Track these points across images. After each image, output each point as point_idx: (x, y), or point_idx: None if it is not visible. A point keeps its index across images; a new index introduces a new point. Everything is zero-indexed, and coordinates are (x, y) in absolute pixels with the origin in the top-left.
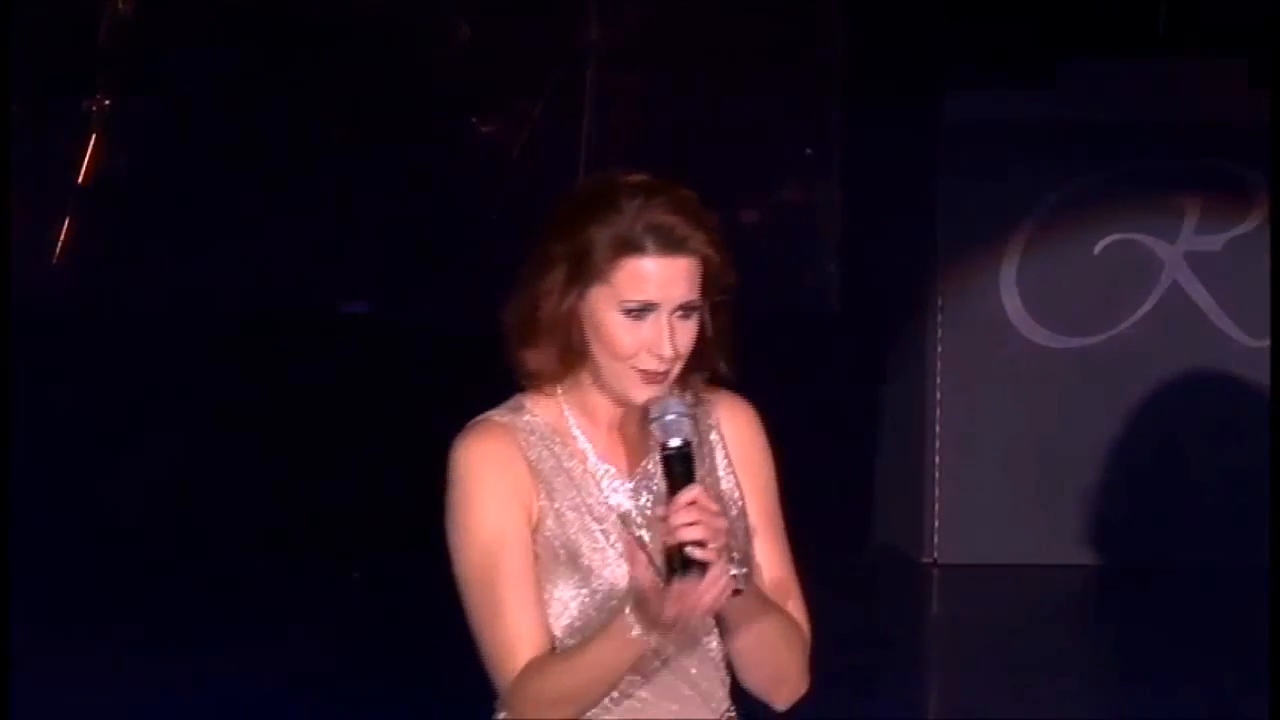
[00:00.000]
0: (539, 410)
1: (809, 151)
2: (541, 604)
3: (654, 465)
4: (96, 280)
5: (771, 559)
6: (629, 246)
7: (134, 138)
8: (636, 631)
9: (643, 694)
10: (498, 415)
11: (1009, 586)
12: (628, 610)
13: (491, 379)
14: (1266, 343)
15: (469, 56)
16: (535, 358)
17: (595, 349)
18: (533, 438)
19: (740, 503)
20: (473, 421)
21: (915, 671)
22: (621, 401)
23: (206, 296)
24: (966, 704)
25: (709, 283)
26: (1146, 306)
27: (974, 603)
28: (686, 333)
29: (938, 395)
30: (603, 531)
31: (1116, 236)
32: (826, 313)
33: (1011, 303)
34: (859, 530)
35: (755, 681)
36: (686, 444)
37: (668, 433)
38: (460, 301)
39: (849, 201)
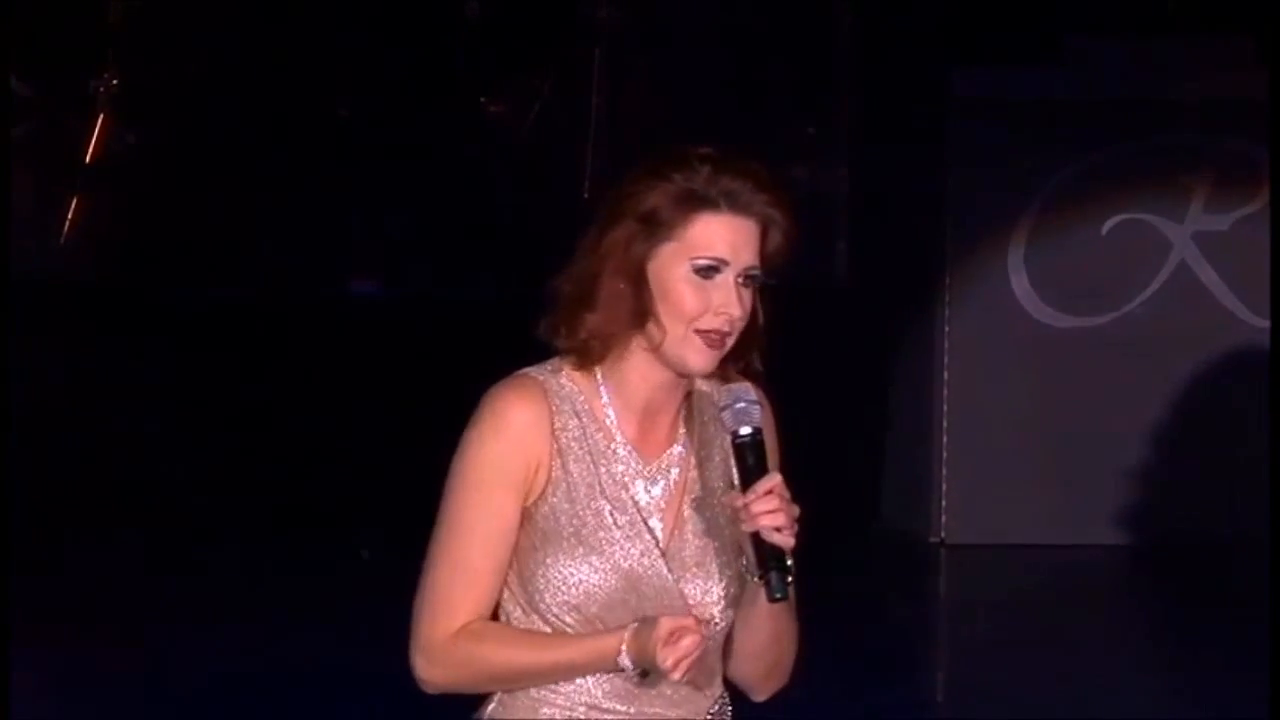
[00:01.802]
0: (575, 381)
1: (816, 131)
2: (501, 576)
3: (675, 458)
4: (104, 259)
5: None
6: (703, 202)
7: (141, 117)
8: (624, 661)
9: (627, 676)
10: (536, 372)
11: (1016, 566)
12: (625, 636)
13: (503, 356)
14: None
15: (478, 35)
16: (595, 321)
17: (660, 310)
18: (564, 403)
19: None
20: (513, 375)
21: (922, 651)
22: (679, 370)
23: (214, 275)
24: (974, 683)
25: (771, 256)
26: (1154, 286)
27: (981, 583)
28: (748, 300)
29: (945, 375)
30: (612, 511)
31: (1124, 216)
32: (834, 293)
33: (1019, 283)
34: (866, 510)
35: (748, 675)
36: (758, 431)
37: (739, 420)
38: (470, 281)
39: (856, 181)
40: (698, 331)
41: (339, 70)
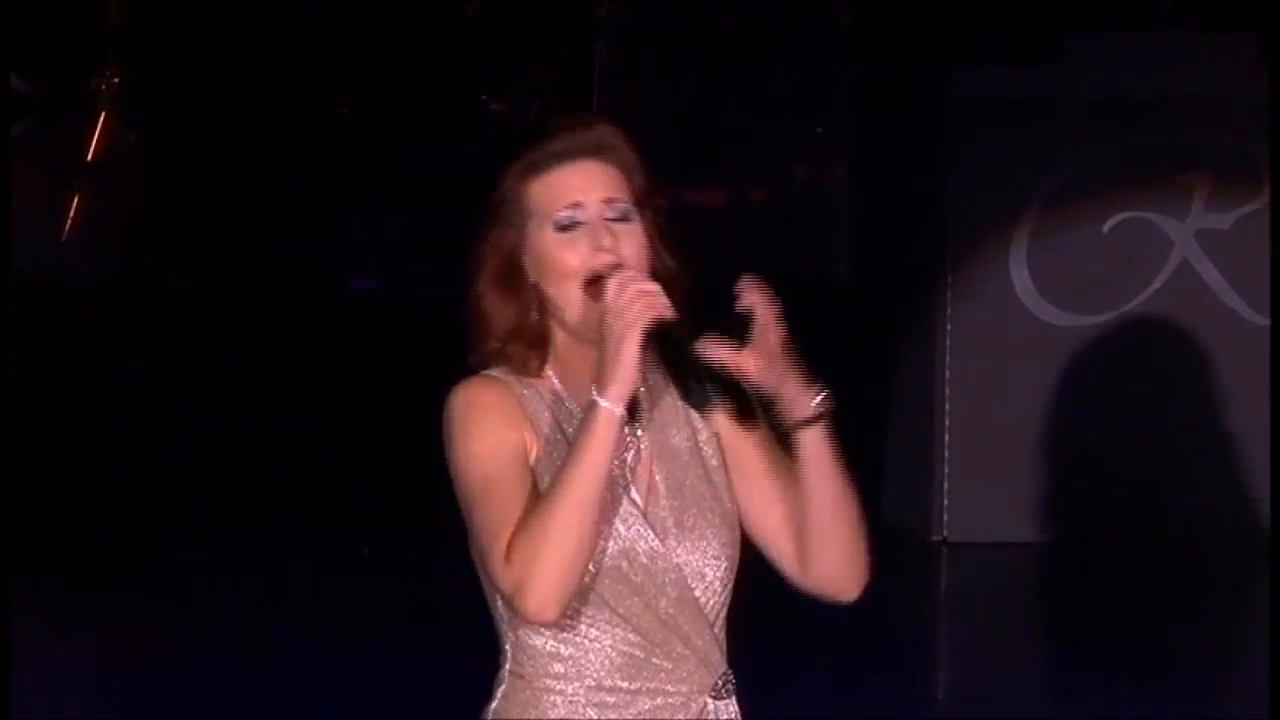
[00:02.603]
0: (531, 381)
1: (818, 129)
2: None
3: (638, 429)
4: (105, 256)
5: (770, 495)
6: (539, 166)
7: (143, 115)
8: (602, 398)
9: (637, 653)
10: (495, 373)
11: (1018, 564)
12: (592, 394)
13: None
14: None
15: (479, 33)
16: (501, 329)
17: (550, 289)
18: (530, 394)
19: (722, 455)
20: (469, 377)
21: (924, 649)
22: (598, 332)
23: (215, 272)
24: (975, 681)
25: (636, 197)
26: (1156, 284)
27: (983, 580)
28: (629, 237)
29: (947, 373)
30: None
31: (1126, 215)
32: (835, 291)
33: (1021, 281)
34: (868, 508)
35: (831, 559)
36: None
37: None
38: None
39: (858, 179)
40: (584, 284)
41: (339, 69)
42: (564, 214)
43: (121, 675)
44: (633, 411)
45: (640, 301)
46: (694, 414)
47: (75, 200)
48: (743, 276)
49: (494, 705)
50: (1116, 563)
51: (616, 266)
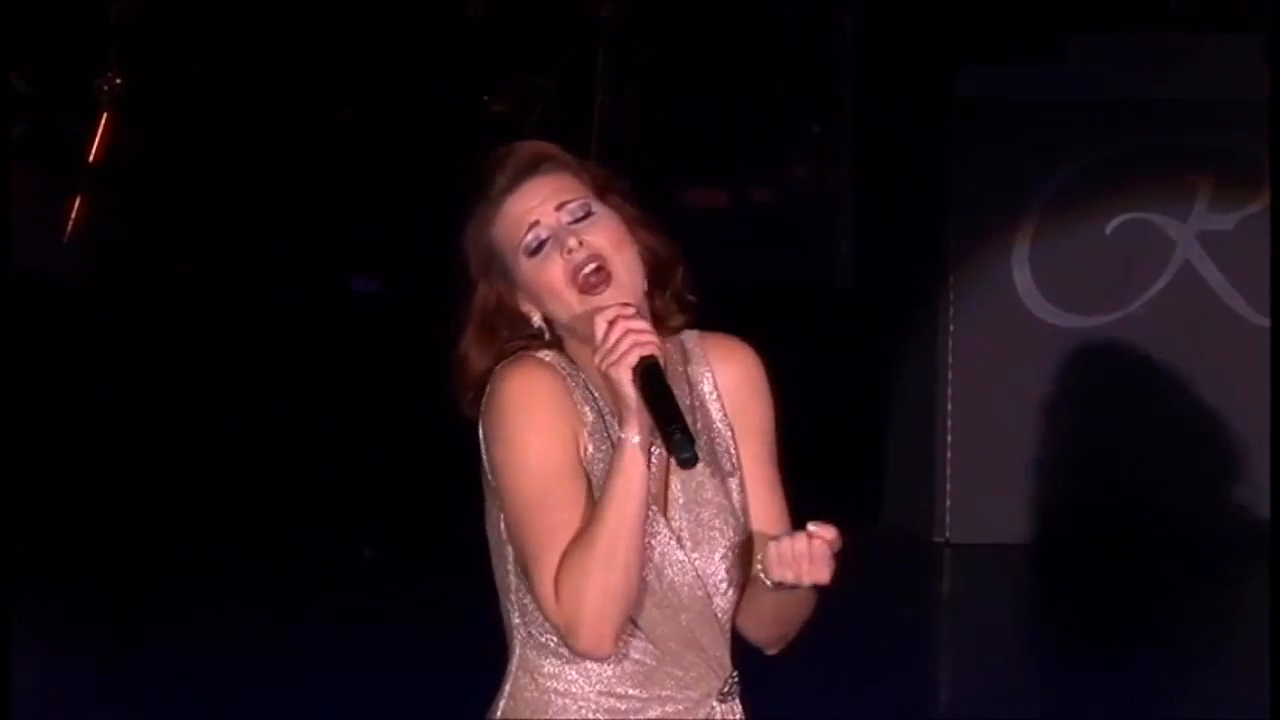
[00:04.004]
0: (565, 362)
1: (820, 129)
2: (585, 507)
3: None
4: (106, 258)
5: (766, 504)
6: (489, 214)
7: (145, 116)
8: (631, 434)
9: (649, 661)
10: (537, 353)
11: (1020, 566)
12: (620, 436)
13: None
14: None
15: (481, 34)
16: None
17: (551, 312)
18: (573, 383)
19: (735, 453)
20: (515, 355)
21: (925, 650)
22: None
23: (216, 274)
24: (977, 682)
25: (592, 188)
26: (1158, 286)
27: (985, 582)
28: (596, 228)
29: (949, 374)
30: None
31: (1128, 216)
32: (838, 292)
33: (1023, 281)
34: (870, 509)
35: (764, 635)
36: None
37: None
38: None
39: (860, 179)
40: (576, 287)
41: (341, 70)
42: (528, 238)
43: (122, 676)
44: (679, 431)
45: (626, 339)
46: (714, 414)
47: (76, 202)
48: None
49: (501, 704)
50: (1118, 564)
51: (596, 257)
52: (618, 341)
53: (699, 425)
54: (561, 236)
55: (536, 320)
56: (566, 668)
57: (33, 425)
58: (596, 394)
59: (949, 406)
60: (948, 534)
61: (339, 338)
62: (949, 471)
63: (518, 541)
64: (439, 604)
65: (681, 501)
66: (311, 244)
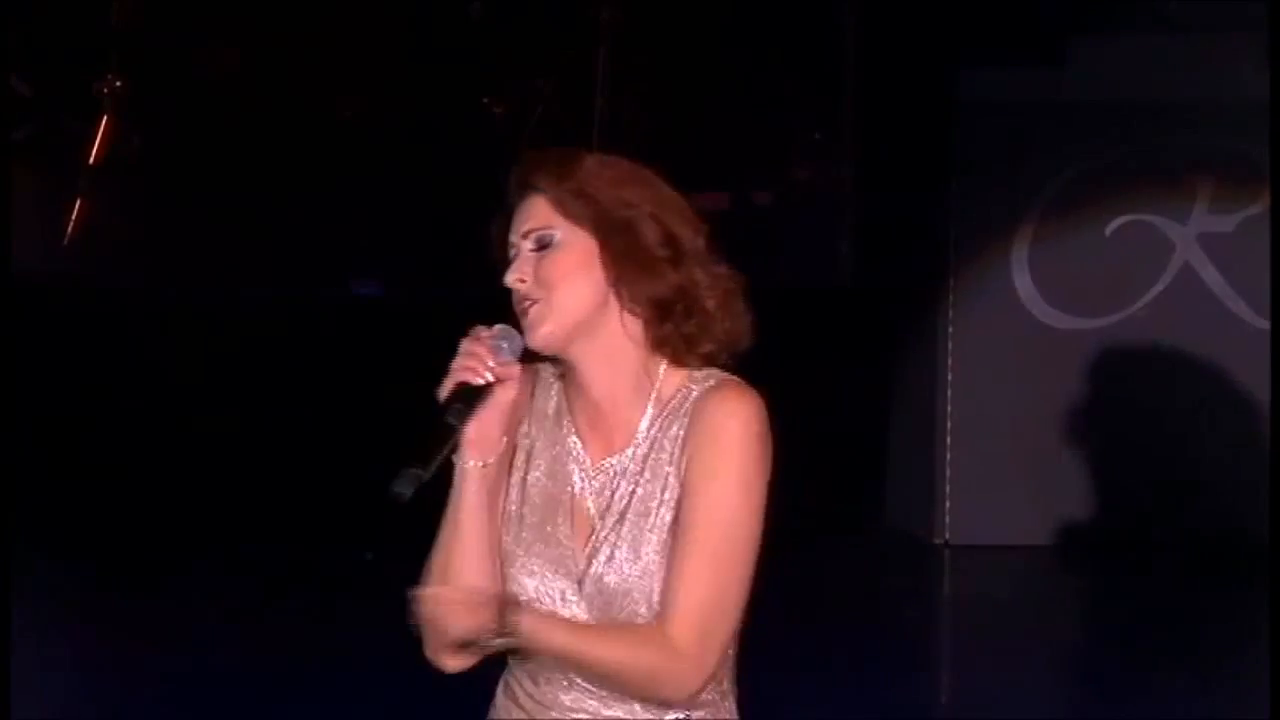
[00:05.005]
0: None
1: (820, 132)
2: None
3: (620, 468)
4: (107, 260)
5: (675, 570)
6: (503, 215)
7: (145, 119)
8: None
9: (591, 703)
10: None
11: (1020, 568)
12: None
13: None
14: None
15: (480, 35)
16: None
17: None
18: (548, 392)
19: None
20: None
21: (926, 653)
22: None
23: (217, 277)
24: (977, 685)
25: (564, 209)
26: (1158, 288)
27: (985, 584)
28: (545, 263)
29: (949, 376)
30: (558, 512)
31: (1128, 218)
32: (838, 294)
33: (1023, 284)
34: (871, 511)
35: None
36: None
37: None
38: (471, 282)
39: (860, 182)
40: (520, 313)
41: (341, 71)
42: (506, 255)
43: (116, 678)
44: (414, 464)
45: (456, 362)
46: (670, 476)
47: (77, 204)
48: None
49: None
50: (1118, 565)
51: (529, 296)
52: (452, 364)
53: (645, 473)
54: (516, 265)
55: None
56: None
57: (32, 426)
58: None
59: (949, 408)
60: (948, 535)
61: (339, 338)
62: (949, 473)
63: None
64: None
65: (623, 549)
66: (311, 244)
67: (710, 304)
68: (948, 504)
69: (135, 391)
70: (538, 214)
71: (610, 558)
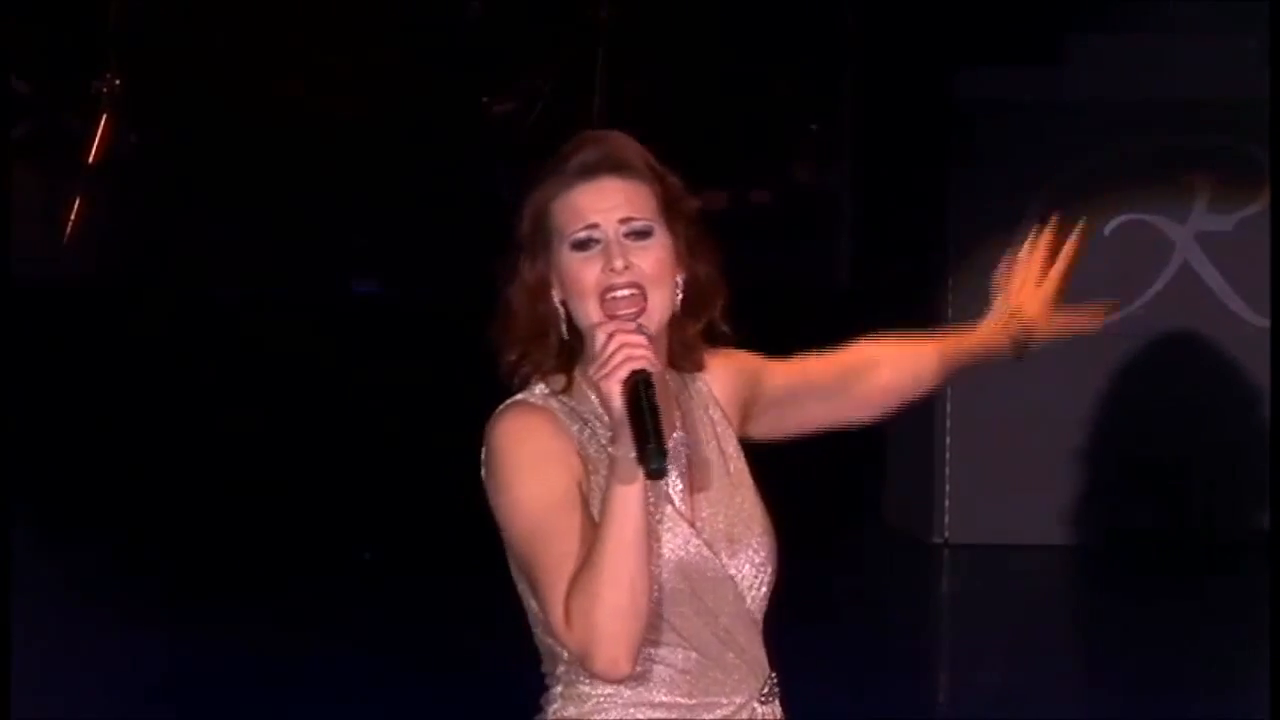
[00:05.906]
0: (568, 395)
1: (819, 130)
2: (584, 539)
3: (679, 441)
4: (106, 259)
5: (827, 357)
6: (561, 186)
7: (144, 117)
8: (622, 451)
9: (693, 668)
10: (529, 398)
11: (1019, 567)
12: (611, 456)
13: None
14: None
15: (480, 34)
16: (537, 349)
17: (573, 306)
18: (570, 418)
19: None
20: (506, 403)
21: (925, 652)
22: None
23: (216, 275)
24: (976, 684)
25: (662, 207)
26: (1157, 287)
27: (984, 583)
28: (645, 254)
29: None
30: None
31: (1126, 217)
32: (836, 293)
33: None
34: (869, 510)
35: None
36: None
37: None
38: (471, 280)
39: (858, 181)
40: (602, 303)
41: (340, 70)
42: (581, 233)
43: (116, 675)
44: (652, 442)
45: (620, 353)
46: (718, 425)
47: (75, 203)
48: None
49: (554, 707)
50: (1117, 565)
51: (635, 285)
52: (612, 355)
53: (712, 441)
54: (613, 250)
55: (557, 296)
56: (621, 686)
57: (31, 426)
58: (598, 423)
59: (948, 407)
60: (947, 534)
61: (339, 338)
62: (949, 472)
63: (529, 579)
64: (439, 605)
65: (707, 503)
66: (311, 244)
67: (718, 305)
68: (947, 503)
69: (134, 390)
70: (637, 200)
71: (702, 520)
